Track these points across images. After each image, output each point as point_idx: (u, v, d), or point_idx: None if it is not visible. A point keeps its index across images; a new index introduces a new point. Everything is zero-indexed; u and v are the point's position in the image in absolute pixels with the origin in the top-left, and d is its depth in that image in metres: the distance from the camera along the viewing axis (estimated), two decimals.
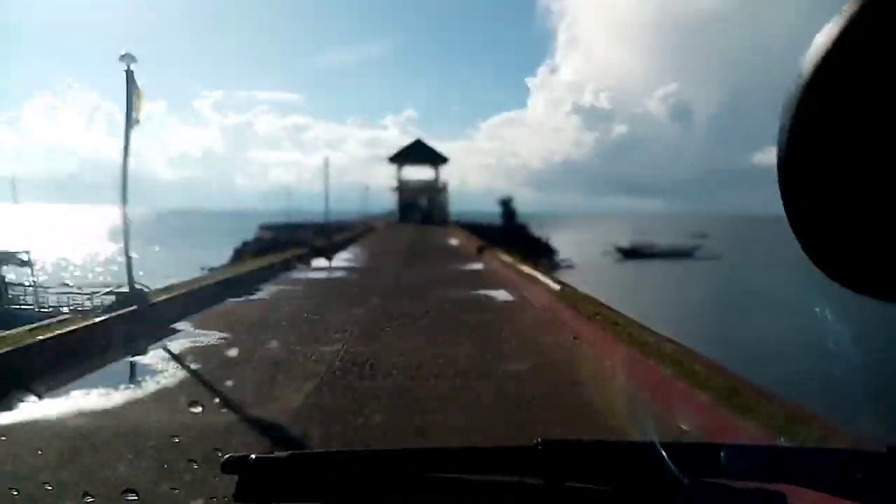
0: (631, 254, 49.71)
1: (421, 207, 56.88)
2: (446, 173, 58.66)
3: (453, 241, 27.29)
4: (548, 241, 54.85)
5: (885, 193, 0.40)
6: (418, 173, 59.54)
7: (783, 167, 0.43)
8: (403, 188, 56.94)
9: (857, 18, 0.37)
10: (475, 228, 44.94)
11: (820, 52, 0.39)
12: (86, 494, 2.67)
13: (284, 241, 39.02)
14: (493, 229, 51.40)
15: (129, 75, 7.62)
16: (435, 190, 56.95)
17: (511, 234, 52.14)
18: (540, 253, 52.18)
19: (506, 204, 54.58)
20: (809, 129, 0.41)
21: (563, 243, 55.75)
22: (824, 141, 0.41)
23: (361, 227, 37.57)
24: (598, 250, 59.00)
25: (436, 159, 56.79)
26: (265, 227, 57.29)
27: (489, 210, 59.09)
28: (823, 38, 0.39)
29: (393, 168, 57.40)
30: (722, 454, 0.77)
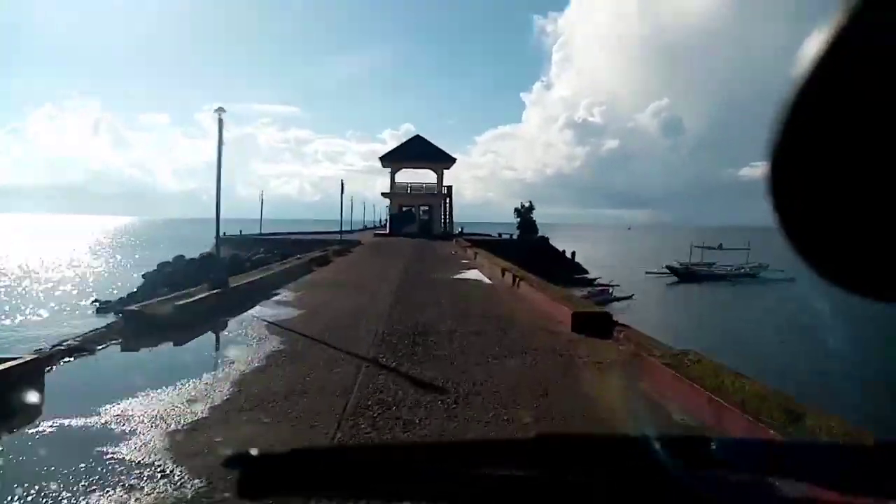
0: (686, 276, 38.11)
1: (419, 218, 45.20)
2: (449, 179, 47.30)
3: (482, 278, 14.84)
4: (573, 257, 43.40)
5: (877, 196, 0.41)
6: (418, 178, 48.24)
7: (774, 173, 0.42)
8: (397, 194, 45.28)
9: (845, 28, 0.37)
10: (485, 244, 33.61)
11: (809, 61, 0.39)
12: None
13: (212, 265, 27.71)
14: (509, 244, 40.04)
15: None
16: (437, 196, 45.30)
17: (532, 249, 40.73)
18: (569, 272, 40.84)
19: (524, 212, 42.96)
20: (800, 136, 0.41)
21: (585, 259, 44.25)
22: (815, 147, 0.41)
23: (335, 245, 25.85)
24: (633, 267, 47.66)
25: (439, 159, 45.18)
26: (220, 241, 45.67)
27: (484, 221, 47.26)
28: (813, 46, 0.39)
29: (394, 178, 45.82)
30: (714, 447, 0.77)
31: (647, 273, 40.33)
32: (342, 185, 24.78)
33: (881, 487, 0.72)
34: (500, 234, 52.27)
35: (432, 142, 46.10)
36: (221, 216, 10.19)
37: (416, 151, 44.24)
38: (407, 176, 48.96)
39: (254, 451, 0.81)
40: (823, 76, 0.38)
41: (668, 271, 40.02)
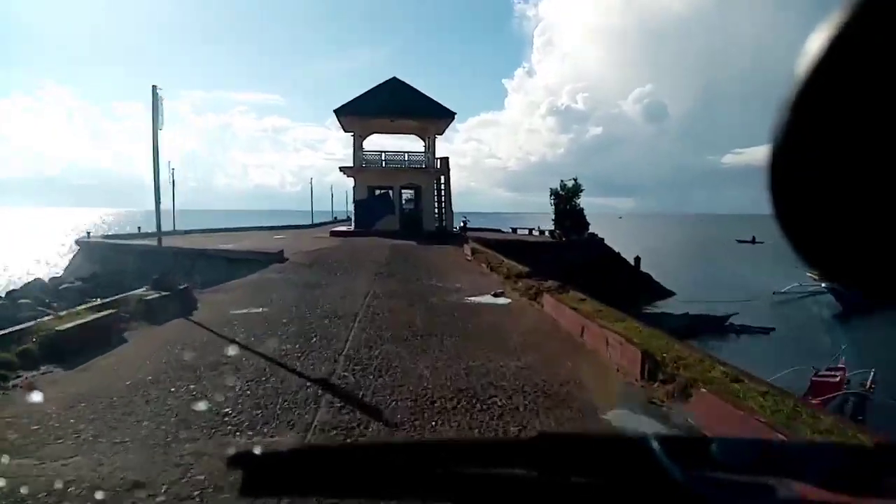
0: (856, 300, 22.24)
1: (401, 207, 28.85)
2: (445, 148, 31.01)
3: None
4: (638, 264, 27.59)
5: (879, 194, 0.40)
6: (396, 147, 31.66)
7: (776, 168, 0.42)
8: (366, 169, 28.68)
9: (849, 23, 0.37)
10: (516, 251, 17.85)
11: (813, 55, 0.38)
12: None
13: None
14: (553, 250, 24.11)
15: None
16: (426, 173, 28.81)
17: (585, 255, 24.92)
18: (644, 294, 25.09)
19: (567, 196, 26.56)
20: (803, 131, 0.40)
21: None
22: (818, 143, 0.40)
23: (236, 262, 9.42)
24: (706, 274, 32.32)
25: (429, 114, 28.55)
26: (84, 246, 28.61)
27: (470, 211, 31.79)
28: (817, 41, 0.38)
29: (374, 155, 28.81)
30: (714, 447, 0.76)
31: (775, 294, 24.52)
32: (149, 124, 7.93)
33: (881, 487, 0.71)
34: (513, 229, 36.25)
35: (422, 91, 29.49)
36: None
37: (393, 102, 27.55)
38: (379, 144, 32.78)
39: (257, 450, 0.78)
40: (829, 70, 0.37)
41: (802, 289, 24.23)
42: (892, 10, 0.36)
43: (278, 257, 14.78)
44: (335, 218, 56.95)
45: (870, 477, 0.73)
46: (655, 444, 0.73)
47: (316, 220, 51.36)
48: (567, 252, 22.48)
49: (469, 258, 15.92)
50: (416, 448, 0.92)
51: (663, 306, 22.86)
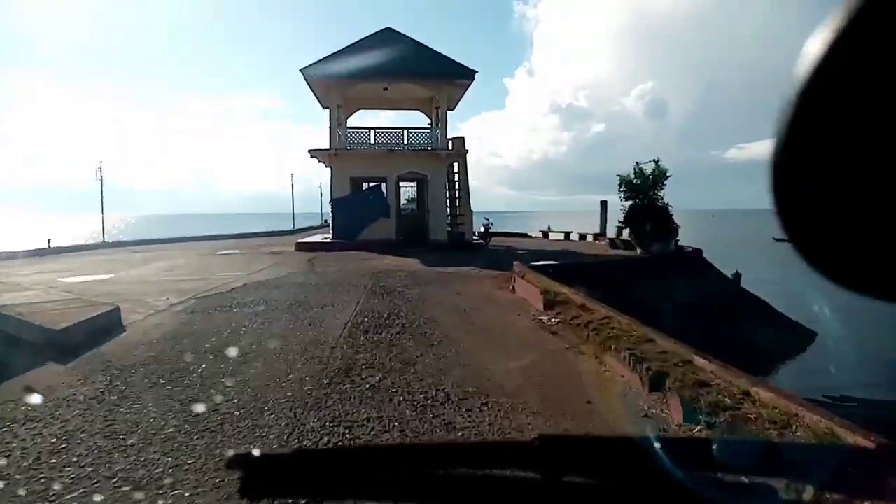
0: None
1: (398, 207, 19.98)
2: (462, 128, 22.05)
3: None
4: (738, 280, 18.69)
5: (881, 193, 0.40)
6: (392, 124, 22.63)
7: (778, 166, 0.41)
8: (348, 155, 19.74)
9: (851, 21, 0.36)
10: (563, 272, 8.92)
11: (816, 54, 0.38)
12: None
13: None
14: (633, 272, 15.18)
15: None
16: (434, 159, 19.82)
17: (699, 283, 15.75)
18: (764, 336, 15.71)
19: (646, 184, 17.53)
20: (805, 129, 0.40)
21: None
22: (820, 141, 0.40)
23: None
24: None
25: (437, 76, 19.60)
26: None
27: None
28: (818, 40, 0.38)
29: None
30: (716, 449, 0.76)
31: None
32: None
33: (882, 488, 0.70)
34: (544, 233, 27.29)
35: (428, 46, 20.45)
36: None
37: (388, 58, 18.63)
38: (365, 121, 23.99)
39: (257, 453, 0.79)
40: (829, 71, 0.37)
41: None
42: (892, 10, 0.36)
43: (78, 340, 5.84)
44: (325, 221, 48.33)
45: (870, 477, 0.72)
46: (657, 445, 0.72)
47: (309, 224, 42.96)
48: (670, 279, 13.47)
49: (543, 319, 6.96)
50: (414, 451, 0.92)
51: (813, 363, 13.92)
